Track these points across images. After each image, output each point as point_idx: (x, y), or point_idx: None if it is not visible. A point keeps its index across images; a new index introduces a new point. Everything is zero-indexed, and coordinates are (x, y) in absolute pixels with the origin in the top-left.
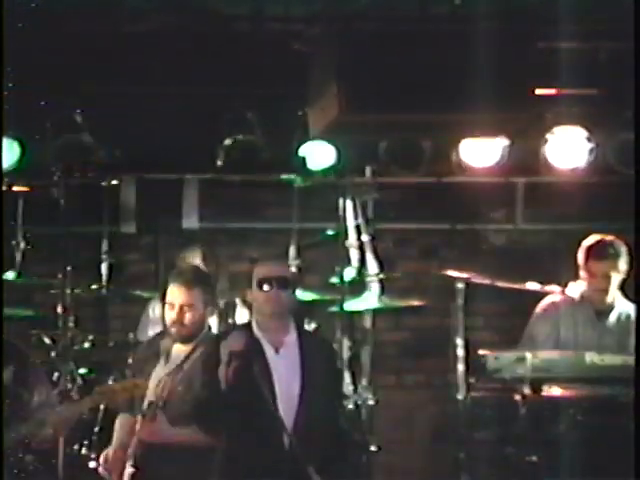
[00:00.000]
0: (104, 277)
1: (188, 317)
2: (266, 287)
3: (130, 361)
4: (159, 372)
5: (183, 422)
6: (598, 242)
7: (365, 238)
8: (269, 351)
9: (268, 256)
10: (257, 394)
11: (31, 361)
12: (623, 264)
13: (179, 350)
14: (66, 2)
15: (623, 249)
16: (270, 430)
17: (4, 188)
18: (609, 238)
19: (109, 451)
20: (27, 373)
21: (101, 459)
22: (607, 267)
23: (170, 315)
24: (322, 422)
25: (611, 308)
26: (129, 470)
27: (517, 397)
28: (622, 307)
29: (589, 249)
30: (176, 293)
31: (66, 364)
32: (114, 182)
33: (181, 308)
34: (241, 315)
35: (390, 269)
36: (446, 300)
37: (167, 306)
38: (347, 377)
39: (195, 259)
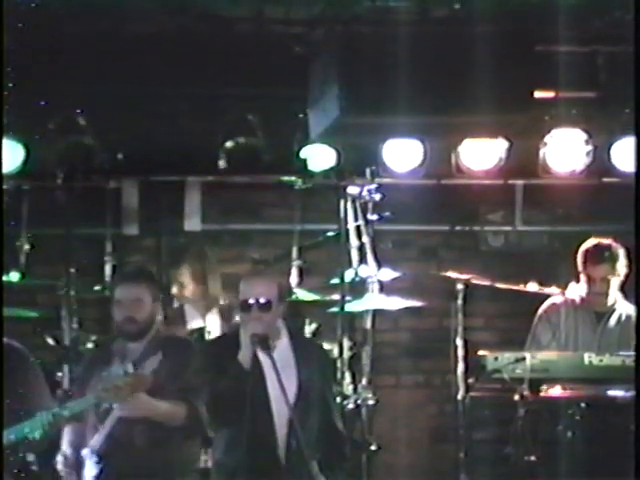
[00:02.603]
0: (107, 278)
1: (139, 313)
2: (247, 310)
3: (82, 365)
4: (115, 373)
5: None
6: (595, 246)
7: (365, 239)
8: (261, 355)
9: (254, 271)
10: (249, 396)
11: (32, 361)
12: (621, 267)
13: (133, 349)
14: (67, 2)
15: (621, 252)
16: (264, 434)
17: (7, 190)
18: (606, 242)
19: (65, 451)
20: (28, 373)
21: (60, 460)
22: (605, 271)
23: (121, 313)
24: (319, 423)
25: (612, 311)
26: (94, 468)
27: (516, 397)
28: (623, 309)
29: (586, 253)
30: (125, 290)
31: (69, 365)
32: (117, 184)
33: (130, 305)
34: None
35: (390, 270)
36: (445, 301)
37: (116, 304)
38: (347, 377)
39: (185, 277)
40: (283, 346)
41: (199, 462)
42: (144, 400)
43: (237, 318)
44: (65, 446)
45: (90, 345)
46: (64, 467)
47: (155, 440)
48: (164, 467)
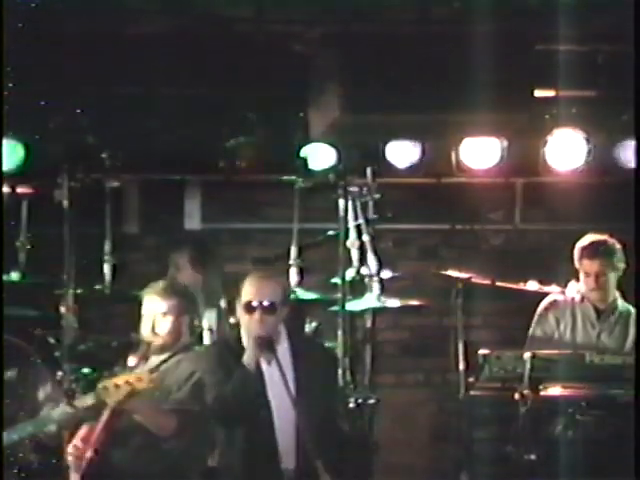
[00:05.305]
0: (107, 277)
1: (163, 326)
2: (250, 311)
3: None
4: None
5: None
6: (591, 242)
7: (365, 238)
8: (265, 358)
9: (259, 272)
10: (249, 402)
11: (33, 360)
12: (618, 262)
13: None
14: (66, 2)
15: (617, 247)
16: (265, 437)
17: (7, 190)
18: (601, 237)
19: (78, 442)
20: (29, 372)
21: (70, 452)
22: (601, 266)
23: (146, 325)
24: (323, 424)
25: (611, 308)
26: (88, 455)
27: (516, 396)
28: (622, 307)
29: (582, 249)
30: (151, 303)
31: (70, 364)
32: (117, 183)
33: (155, 318)
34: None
35: (390, 269)
36: (446, 300)
37: (143, 317)
38: (348, 376)
39: (181, 259)
40: (283, 349)
41: (204, 464)
42: (139, 406)
43: (232, 319)
44: (77, 439)
45: (90, 344)
46: (74, 459)
47: (148, 443)
48: (161, 468)
